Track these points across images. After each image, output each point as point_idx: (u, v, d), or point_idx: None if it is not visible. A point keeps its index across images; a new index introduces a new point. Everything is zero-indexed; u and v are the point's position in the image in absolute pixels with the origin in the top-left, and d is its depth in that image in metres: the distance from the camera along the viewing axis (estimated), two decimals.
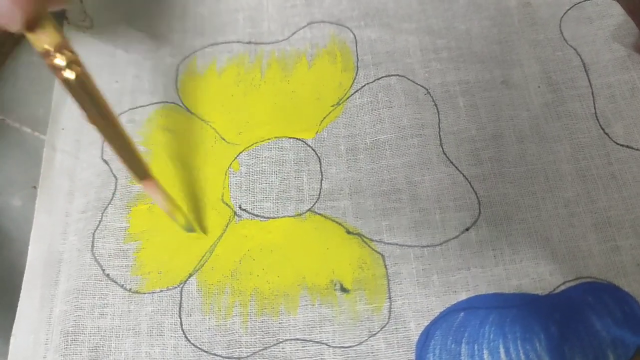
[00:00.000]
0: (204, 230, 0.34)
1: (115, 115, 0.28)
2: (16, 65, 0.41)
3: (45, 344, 0.32)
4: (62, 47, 0.25)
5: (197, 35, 0.41)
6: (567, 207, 0.33)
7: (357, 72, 0.38)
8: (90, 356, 0.31)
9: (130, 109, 0.38)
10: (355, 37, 0.39)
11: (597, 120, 0.35)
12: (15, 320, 0.32)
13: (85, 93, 0.26)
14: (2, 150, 0.38)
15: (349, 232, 0.33)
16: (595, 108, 0.35)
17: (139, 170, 0.30)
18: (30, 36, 0.25)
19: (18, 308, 0.33)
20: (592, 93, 0.36)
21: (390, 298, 0.31)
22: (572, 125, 0.35)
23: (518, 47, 0.38)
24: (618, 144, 0.34)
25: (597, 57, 0.37)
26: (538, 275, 0.31)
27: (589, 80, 0.36)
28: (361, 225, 0.33)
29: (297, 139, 0.36)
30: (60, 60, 0.25)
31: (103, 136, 0.28)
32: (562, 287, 0.31)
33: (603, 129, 0.35)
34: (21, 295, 0.33)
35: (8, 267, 0.34)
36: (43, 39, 0.25)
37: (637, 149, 0.34)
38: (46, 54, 0.25)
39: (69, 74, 0.25)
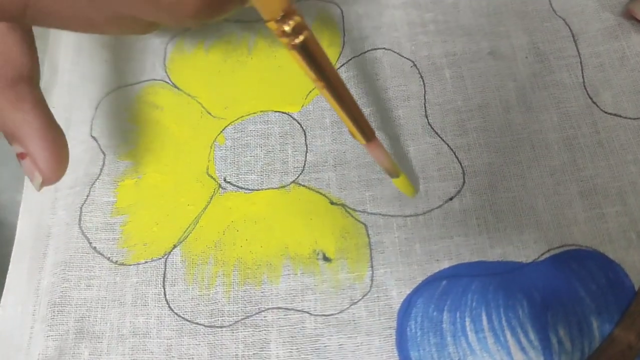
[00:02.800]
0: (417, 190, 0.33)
1: (340, 77, 0.25)
2: None
3: (33, 314, 0.32)
4: (291, 12, 0.21)
5: None
6: (553, 176, 0.32)
7: (343, 47, 0.38)
8: (76, 326, 0.31)
9: (119, 87, 0.38)
10: (342, 13, 0.39)
11: (585, 89, 0.35)
12: (4, 293, 0.33)
13: (313, 57, 0.23)
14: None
15: (332, 203, 0.33)
16: (583, 77, 0.35)
17: (367, 130, 0.27)
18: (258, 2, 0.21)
19: (6, 280, 0.33)
20: (581, 62, 0.35)
21: (372, 267, 0.31)
22: (559, 95, 0.35)
23: (506, 19, 0.38)
24: (606, 112, 0.34)
25: (586, 27, 0.36)
26: (522, 243, 0.31)
27: (578, 50, 0.36)
28: (345, 196, 0.33)
29: (282, 112, 0.36)
30: (288, 27, 0.21)
31: (332, 98, 0.25)
32: (547, 255, 0.31)
33: (591, 98, 0.34)
34: (9, 268, 0.33)
35: None
36: (271, 5, 0.21)
37: (626, 117, 0.33)
38: (278, 22, 0.21)
39: (298, 40, 0.22)
